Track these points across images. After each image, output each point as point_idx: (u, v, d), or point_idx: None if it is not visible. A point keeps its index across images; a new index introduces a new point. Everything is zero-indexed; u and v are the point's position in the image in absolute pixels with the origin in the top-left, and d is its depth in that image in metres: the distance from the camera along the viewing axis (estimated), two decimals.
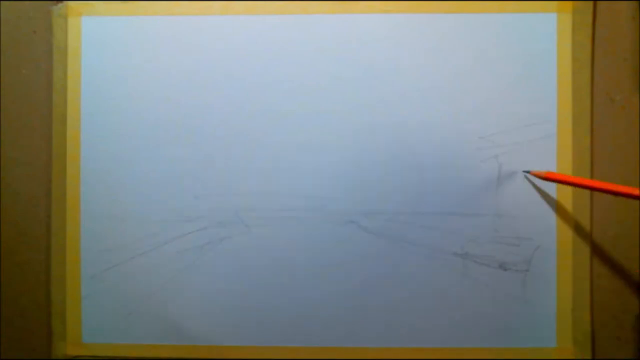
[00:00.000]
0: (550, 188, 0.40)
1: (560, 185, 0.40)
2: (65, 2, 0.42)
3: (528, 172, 0.40)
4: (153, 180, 0.41)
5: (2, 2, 0.42)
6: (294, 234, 0.41)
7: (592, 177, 0.40)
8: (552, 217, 0.40)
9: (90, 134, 0.42)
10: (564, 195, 0.40)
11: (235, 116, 0.41)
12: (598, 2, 0.40)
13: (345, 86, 0.41)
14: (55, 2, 0.42)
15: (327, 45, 0.41)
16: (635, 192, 0.33)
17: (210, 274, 0.41)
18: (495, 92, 0.40)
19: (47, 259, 0.43)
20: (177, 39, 0.41)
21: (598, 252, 0.41)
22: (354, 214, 0.41)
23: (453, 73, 0.40)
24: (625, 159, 0.41)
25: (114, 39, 0.41)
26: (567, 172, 0.40)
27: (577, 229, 0.40)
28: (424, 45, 0.40)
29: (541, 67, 0.40)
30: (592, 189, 0.37)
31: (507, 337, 0.40)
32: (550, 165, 0.40)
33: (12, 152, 0.43)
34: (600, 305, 0.40)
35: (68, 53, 0.42)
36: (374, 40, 0.41)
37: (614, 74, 0.40)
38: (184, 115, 0.41)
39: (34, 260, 0.43)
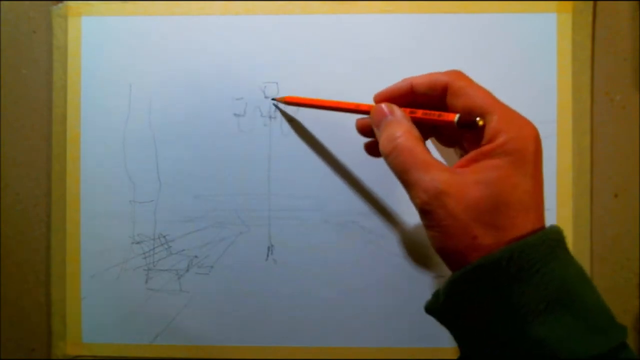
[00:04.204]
0: (551, 188, 0.40)
1: (560, 185, 0.40)
2: (65, 2, 0.42)
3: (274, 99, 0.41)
4: (153, 180, 0.41)
5: (2, 2, 0.42)
6: (294, 234, 0.41)
7: (592, 177, 0.40)
8: (552, 217, 0.40)
9: (90, 134, 0.42)
10: (564, 195, 0.40)
11: (234, 116, 0.41)
12: (598, 2, 0.40)
13: (345, 86, 0.41)
14: (55, 2, 0.42)
15: (327, 45, 0.41)
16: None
17: (210, 274, 0.41)
18: (495, 92, 0.40)
19: (47, 259, 0.43)
20: (177, 39, 0.41)
21: (598, 252, 0.41)
22: (354, 214, 0.41)
23: None
24: (625, 159, 0.41)
25: (114, 39, 0.41)
26: (567, 172, 0.40)
27: (577, 229, 0.40)
28: (424, 45, 0.40)
29: (541, 67, 0.40)
30: (328, 108, 0.37)
31: None
32: (550, 165, 0.40)
33: (12, 152, 0.43)
34: None
35: (68, 53, 0.42)
36: (374, 40, 0.41)
37: (614, 74, 0.40)
38: (184, 115, 0.41)
39: (34, 260, 0.43)
